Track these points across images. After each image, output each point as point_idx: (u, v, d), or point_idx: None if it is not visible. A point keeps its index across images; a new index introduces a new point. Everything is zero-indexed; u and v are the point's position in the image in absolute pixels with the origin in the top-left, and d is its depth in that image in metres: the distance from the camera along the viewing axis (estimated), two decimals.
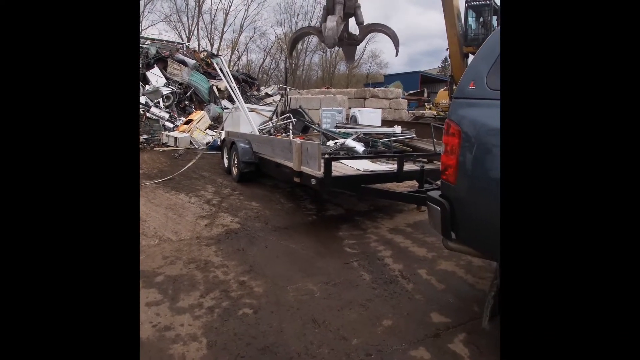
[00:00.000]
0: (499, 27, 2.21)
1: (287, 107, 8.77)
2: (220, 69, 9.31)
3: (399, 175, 4.63)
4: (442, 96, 17.52)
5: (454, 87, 14.09)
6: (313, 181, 4.17)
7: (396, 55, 9.24)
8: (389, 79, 31.56)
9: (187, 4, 32.60)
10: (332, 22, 6.31)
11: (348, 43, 7.26)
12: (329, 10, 6.66)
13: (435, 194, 2.65)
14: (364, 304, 2.89)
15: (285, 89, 8.23)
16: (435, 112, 17.28)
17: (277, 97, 9.29)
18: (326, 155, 4.49)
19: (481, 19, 14.46)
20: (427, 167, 4.86)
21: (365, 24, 7.44)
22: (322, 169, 4.05)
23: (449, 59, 16.62)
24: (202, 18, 33.39)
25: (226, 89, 8.85)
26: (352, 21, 6.88)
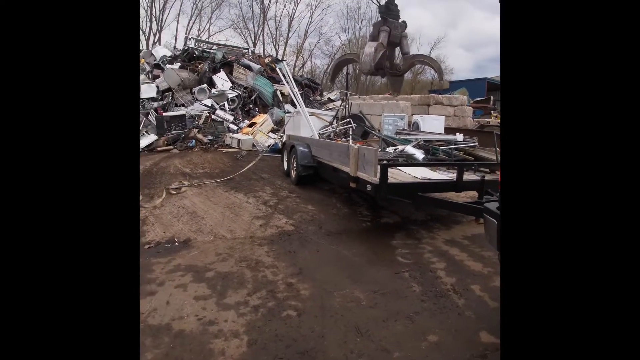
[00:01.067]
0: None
1: (348, 112, 8.74)
2: (283, 74, 9.48)
3: (458, 185, 4.46)
4: None
5: None
6: (368, 187, 4.12)
7: (441, 88, 9.01)
8: (454, 85, 30.59)
9: (252, 11, 33.58)
10: (370, 47, 6.21)
11: (390, 73, 7.10)
12: (374, 38, 6.61)
13: (493, 205, 2.52)
14: (410, 316, 2.80)
15: (347, 94, 8.21)
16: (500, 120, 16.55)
17: (339, 102, 9.30)
18: (383, 162, 4.42)
19: None
20: (488, 177, 4.64)
21: (410, 54, 7.28)
22: (379, 175, 3.99)
23: None
24: (268, 24, 34.24)
25: (289, 93, 8.98)
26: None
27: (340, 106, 8.66)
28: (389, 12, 6.55)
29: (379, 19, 6.83)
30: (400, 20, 6.63)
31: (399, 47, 6.98)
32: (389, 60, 6.72)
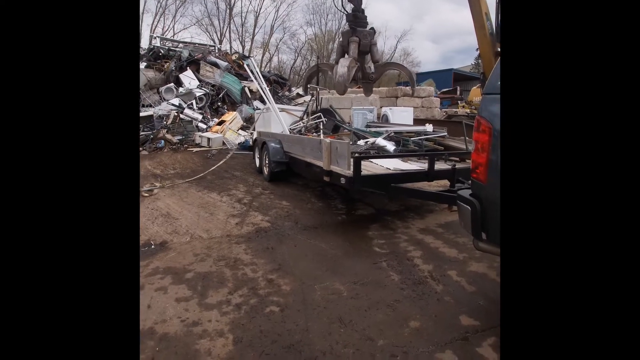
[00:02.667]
0: None
1: (318, 107, 8.74)
2: (251, 71, 9.40)
3: (430, 174, 4.55)
4: (475, 94, 17.16)
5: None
6: (342, 180, 4.15)
7: (412, 94, 9.06)
8: (421, 77, 31.01)
9: (218, 7, 33.14)
10: (342, 67, 6.09)
11: (363, 82, 7.09)
12: (344, 48, 6.54)
13: (466, 193, 2.59)
14: (391, 304, 2.85)
15: (316, 89, 8.20)
16: (468, 110, 16.93)
17: (308, 97, 9.29)
18: (356, 154, 4.46)
19: None
20: (458, 166, 4.76)
21: (381, 62, 7.25)
22: (352, 168, 4.03)
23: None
24: (233, 21, 33.87)
25: (258, 90, 8.91)
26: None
27: (309, 101, 8.63)
28: (357, 21, 6.47)
29: (347, 28, 6.75)
30: (368, 27, 6.59)
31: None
32: (361, 70, 6.69)
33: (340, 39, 6.68)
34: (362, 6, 6.46)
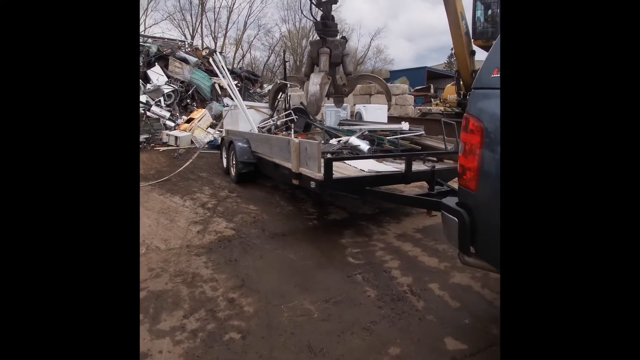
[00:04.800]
0: None
1: (288, 104, 8.33)
2: (217, 66, 8.95)
3: (407, 176, 4.26)
4: (450, 92, 17.05)
5: (461, 82, 13.73)
6: (312, 184, 3.81)
7: (388, 109, 8.63)
8: (395, 74, 31.12)
9: (190, 2, 32.20)
10: (315, 85, 5.47)
11: (335, 97, 6.60)
12: (313, 59, 6.02)
13: (452, 201, 2.28)
14: (368, 327, 2.52)
15: (286, 85, 7.76)
16: (442, 108, 16.83)
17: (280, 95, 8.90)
18: (327, 155, 4.12)
19: (489, 12, 14.01)
20: (438, 166, 4.48)
21: (353, 75, 6.82)
22: (323, 170, 3.69)
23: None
24: (206, 16, 32.98)
25: (229, 85, 8.49)
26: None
27: (280, 98, 8.22)
28: (327, 30, 5.93)
29: (316, 37, 6.21)
30: (339, 36, 6.08)
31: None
32: (332, 83, 6.26)
33: (309, 49, 6.22)
34: (335, 8, 6.01)
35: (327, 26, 5.90)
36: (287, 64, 14.24)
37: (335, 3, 5.90)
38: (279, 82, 8.53)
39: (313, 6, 6.02)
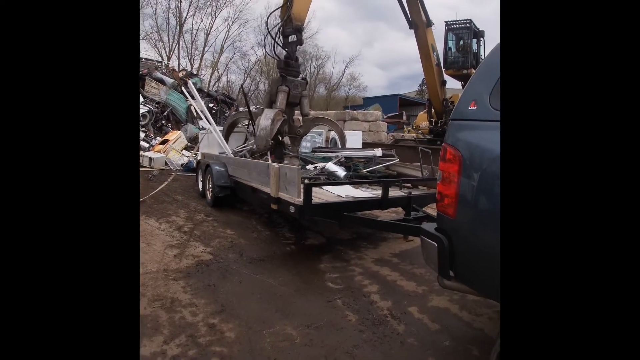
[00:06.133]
0: (499, 42, 1.97)
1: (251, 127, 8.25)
2: (190, 94, 8.95)
3: (384, 202, 4.35)
4: (422, 119, 17.51)
5: (433, 110, 14.16)
6: (292, 209, 3.85)
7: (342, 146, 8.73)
8: (368, 101, 31.76)
9: (168, 23, 32.16)
10: (266, 119, 5.55)
11: (290, 136, 6.66)
12: (272, 97, 6.11)
13: (431, 227, 2.36)
14: (350, 351, 2.55)
15: (249, 112, 7.63)
16: (415, 135, 17.23)
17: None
18: (306, 181, 4.18)
19: (461, 42, 14.60)
20: (414, 192, 4.60)
21: (310, 116, 6.82)
22: (302, 195, 3.73)
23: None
24: (183, 37, 32.95)
25: (202, 112, 8.46)
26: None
27: (248, 124, 8.16)
28: (289, 69, 6.09)
29: (278, 75, 6.34)
30: (300, 77, 6.20)
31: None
32: (287, 122, 6.31)
33: (269, 87, 6.31)
34: (311, 35, 6.19)
35: (289, 65, 6.02)
36: (243, 89, 14.32)
37: (301, 45, 6.04)
38: (233, 114, 8.51)
39: (277, 45, 6.15)
